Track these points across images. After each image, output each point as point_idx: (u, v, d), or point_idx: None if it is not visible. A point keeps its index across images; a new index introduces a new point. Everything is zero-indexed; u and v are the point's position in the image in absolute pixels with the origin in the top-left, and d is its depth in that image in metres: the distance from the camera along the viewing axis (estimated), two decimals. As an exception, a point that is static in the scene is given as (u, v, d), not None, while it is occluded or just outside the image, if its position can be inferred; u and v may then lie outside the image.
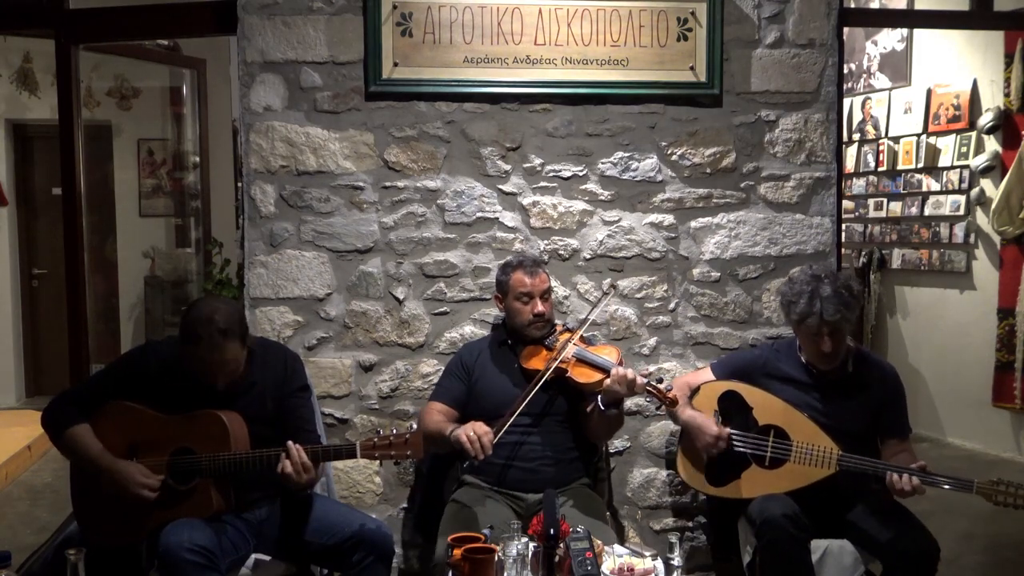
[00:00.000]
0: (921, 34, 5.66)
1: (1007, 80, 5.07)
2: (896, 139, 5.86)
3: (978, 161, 5.28)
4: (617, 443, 3.27)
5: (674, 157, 3.25)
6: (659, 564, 2.29)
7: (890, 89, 5.90)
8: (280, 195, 3.16)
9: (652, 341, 3.29)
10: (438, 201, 3.20)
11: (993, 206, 5.11)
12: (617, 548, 2.37)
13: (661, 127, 3.24)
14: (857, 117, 6.15)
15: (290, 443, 2.42)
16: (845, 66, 3.66)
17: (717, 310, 3.30)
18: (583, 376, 2.76)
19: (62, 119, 3.34)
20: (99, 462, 2.47)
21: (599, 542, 2.30)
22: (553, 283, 3.10)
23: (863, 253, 6.07)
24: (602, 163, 3.23)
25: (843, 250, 4.45)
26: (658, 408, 3.21)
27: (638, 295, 3.28)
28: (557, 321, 3.03)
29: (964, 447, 5.45)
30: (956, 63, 5.46)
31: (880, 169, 5.99)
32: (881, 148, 5.97)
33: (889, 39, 5.90)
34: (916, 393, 5.65)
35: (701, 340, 3.30)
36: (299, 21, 3.12)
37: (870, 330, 6.03)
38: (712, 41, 3.15)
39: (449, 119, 3.18)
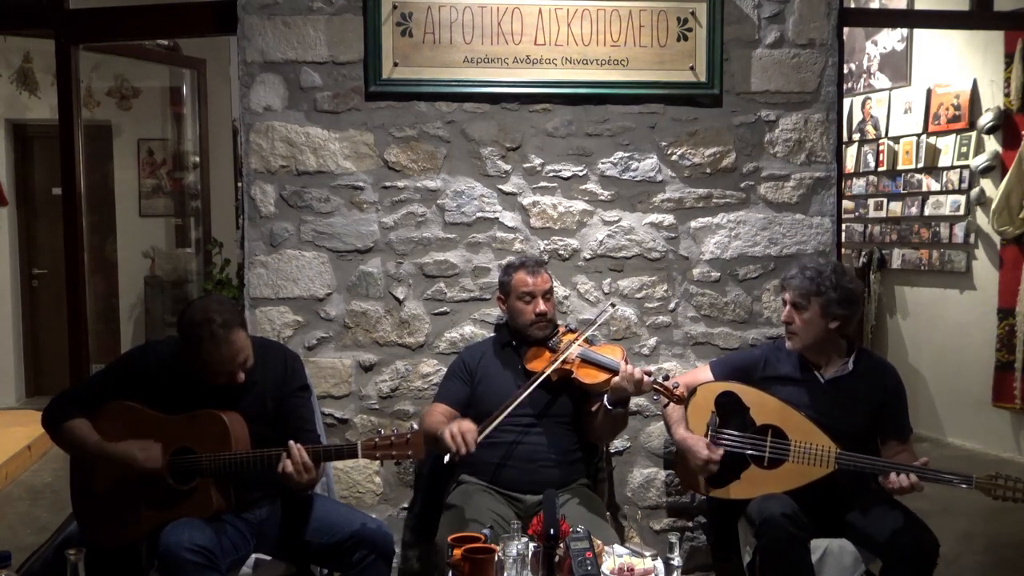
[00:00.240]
0: (921, 34, 5.66)
1: (1007, 80, 5.07)
2: (896, 139, 5.86)
3: (978, 161, 5.28)
4: (617, 443, 3.27)
5: (674, 157, 3.25)
6: (659, 564, 2.29)
7: (890, 89, 5.91)
8: (280, 195, 3.16)
9: (652, 341, 3.29)
10: (438, 201, 3.20)
11: (993, 206, 5.11)
12: (617, 548, 2.37)
13: (661, 127, 3.24)
14: (857, 117, 6.15)
15: (291, 443, 2.42)
16: (845, 66, 3.66)
17: (717, 310, 3.30)
18: (589, 377, 2.76)
19: (62, 119, 3.34)
20: (97, 450, 2.47)
21: (599, 542, 2.30)
22: (553, 283, 3.10)
23: (863, 253, 6.07)
24: (602, 163, 3.23)
25: (843, 250, 4.45)
26: (665, 406, 3.21)
27: (638, 295, 3.28)
28: (559, 322, 3.02)
29: (964, 447, 5.45)
30: (956, 63, 5.46)
31: (880, 169, 5.99)
32: (881, 148, 5.97)
33: (889, 39, 5.91)
34: (916, 393, 5.65)
35: (701, 340, 3.30)
36: (299, 21, 3.12)
37: (870, 330, 6.03)
38: (712, 41, 3.15)
39: (449, 119, 3.18)
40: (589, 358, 2.80)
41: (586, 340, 2.90)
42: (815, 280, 2.75)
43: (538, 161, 3.22)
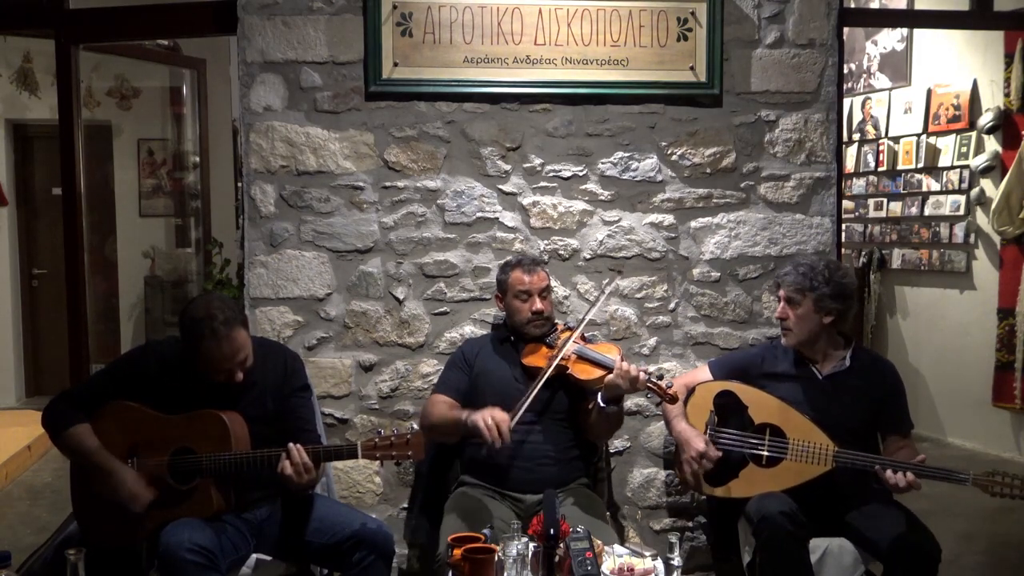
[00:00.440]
0: (921, 34, 5.66)
1: (1007, 80, 5.07)
2: (896, 139, 5.86)
3: (978, 161, 5.28)
4: (617, 443, 3.27)
5: (674, 157, 3.25)
6: (659, 564, 2.29)
7: (890, 89, 5.91)
8: (280, 195, 3.16)
9: (652, 341, 3.29)
10: (438, 201, 3.20)
11: (993, 206, 5.11)
12: (617, 548, 2.37)
13: (661, 127, 3.24)
14: (857, 117, 6.15)
15: (291, 444, 2.42)
16: (845, 66, 3.66)
17: (717, 310, 3.30)
18: (584, 373, 2.77)
19: (62, 119, 3.34)
20: (96, 461, 2.46)
21: (599, 542, 2.30)
22: (553, 283, 3.10)
23: (863, 253, 6.07)
24: (602, 163, 3.23)
25: (843, 250, 4.45)
26: (658, 405, 3.21)
27: (638, 295, 3.28)
28: (557, 320, 3.03)
29: (964, 447, 5.45)
30: (956, 63, 5.46)
31: (880, 169, 5.99)
32: (881, 148, 5.97)
33: (889, 39, 5.91)
34: (916, 393, 5.65)
35: (701, 340, 3.30)
36: (299, 21, 3.12)
37: (870, 330, 6.03)
38: (712, 41, 3.15)
39: (449, 119, 3.18)
40: (585, 355, 2.80)
41: (584, 338, 2.90)
42: (808, 275, 2.78)
43: (538, 161, 3.21)
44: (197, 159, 6.41)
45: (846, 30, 3.44)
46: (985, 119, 5.20)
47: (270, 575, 2.62)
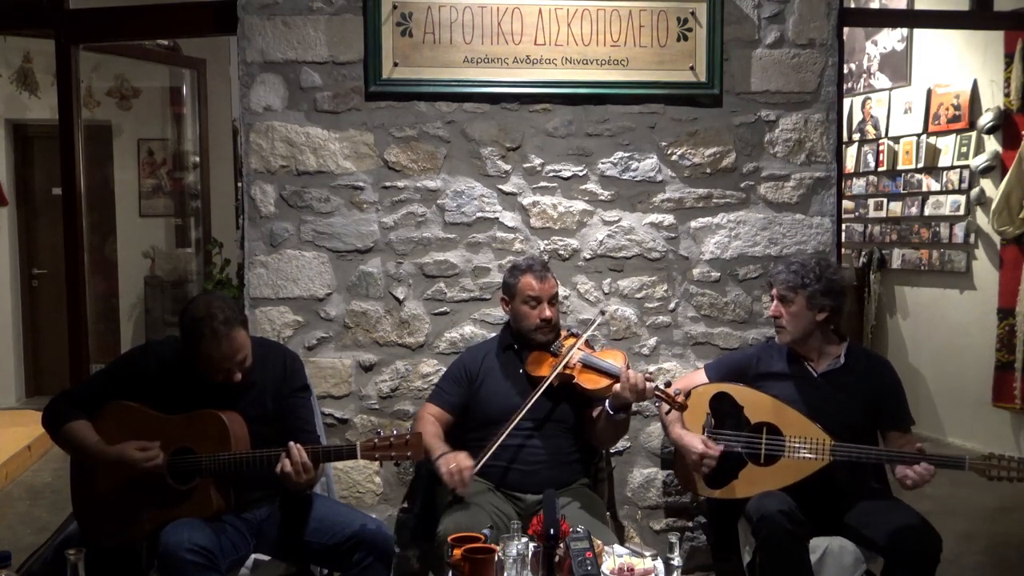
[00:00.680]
0: (921, 34, 5.66)
1: (1007, 80, 5.07)
2: (896, 139, 5.86)
3: (978, 161, 5.28)
4: (617, 443, 3.27)
5: (674, 157, 3.25)
6: (659, 564, 2.30)
7: (890, 89, 5.91)
8: (280, 195, 3.16)
9: (652, 341, 3.29)
10: (438, 201, 3.20)
11: (993, 206, 5.11)
12: (617, 548, 2.37)
13: (661, 127, 3.24)
14: (857, 117, 6.15)
15: (291, 443, 2.42)
16: (845, 66, 3.66)
17: (717, 310, 3.30)
18: (590, 382, 2.76)
19: (62, 119, 3.34)
20: (96, 452, 2.46)
21: (599, 542, 2.30)
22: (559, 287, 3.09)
23: (863, 253, 6.07)
24: (602, 163, 3.23)
25: (843, 250, 4.45)
26: (667, 412, 3.21)
27: (638, 295, 3.28)
28: (562, 326, 3.02)
29: (964, 447, 5.44)
30: (956, 63, 5.46)
31: (880, 169, 5.99)
32: (881, 148, 5.97)
33: (889, 39, 5.91)
34: (916, 393, 5.65)
35: (701, 340, 3.30)
36: (299, 21, 3.12)
37: (870, 330, 6.03)
38: (712, 41, 3.15)
39: (449, 119, 3.18)
40: (591, 363, 2.79)
41: (588, 344, 2.89)
42: (799, 273, 2.80)
43: (538, 161, 3.21)
44: (197, 159, 6.41)
45: (846, 30, 3.44)
46: (985, 119, 5.20)
47: (270, 575, 2.62)
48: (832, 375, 2.82)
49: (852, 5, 5.79)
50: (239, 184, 4.75)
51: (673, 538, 2.26)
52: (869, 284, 6.00)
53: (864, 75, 6.11)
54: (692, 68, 3.17)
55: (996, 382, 5.22)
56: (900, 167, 5.84)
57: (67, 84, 3.31)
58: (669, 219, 3.26)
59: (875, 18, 5.30)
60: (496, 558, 2.19)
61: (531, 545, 2.23)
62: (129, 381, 2.55)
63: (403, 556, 3.21)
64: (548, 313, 2.85)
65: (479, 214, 3.21)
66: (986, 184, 5.30)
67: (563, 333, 2.95)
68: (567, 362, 2.78)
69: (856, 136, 6.16)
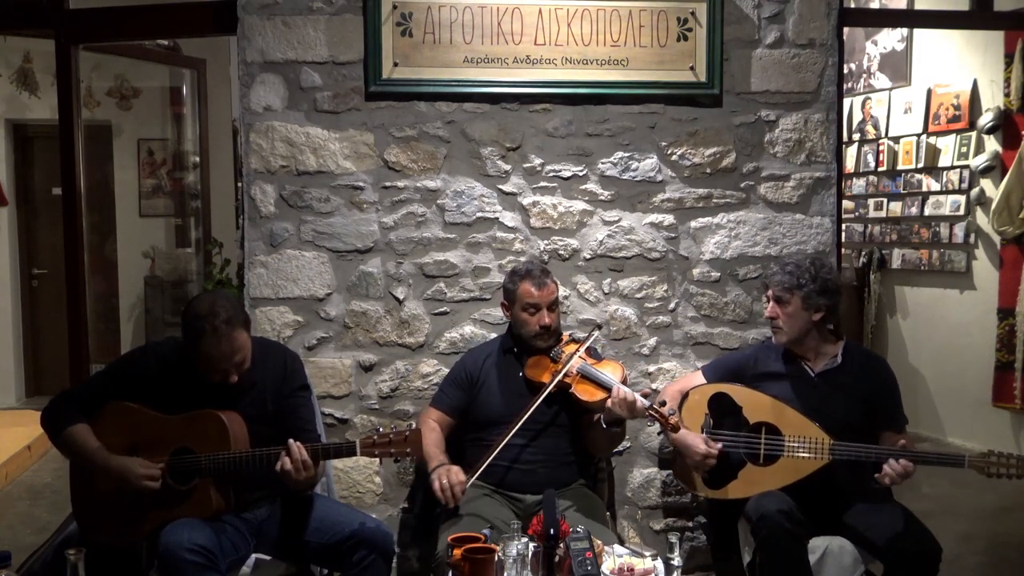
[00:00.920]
0: (921, 34, 5.66)
1: (1007, 80, 5.07)
2: (896, 139, 5.86)
3: (978, 161, 5.28)
4: (612, 452, 3.27)
5: (674, 157, 3.25)
6: (659, 564, 2.29)
7: (890, 89, 5.91)
8: (280, 195, 3.16)
9: (652, 341, 3.29)
10: (438, 201, 3.20)
11: (993, 206, 5.11)
12: (617, 548, 2.37)
13: (661, 127, 3.24)
14: (857, 117, 6.15)
15: (291, 441, 2.42)
16: (845, 66, 3.66)
17: (717, 310, 3.30)
18: (586, 393, 2.75)
19: (62, 119, 3.34)
20: (97, 460, 2.46)
21: (599, 542, 2.30)
22: (559, 291, 3.08)
23: (863, 253, 6.07)
24: (602, 163, 3.23)
25: (843, 250, 4.45)
26: (659, 433, 3.22)
27: (638, 295, 3.28)
28: (563, 329, 3.01)
29: (964, 447, 5.44)
30: (956, 63, 5.46)
31: (880, 169, 5.99)
32: (881, 148, 5.97)
33: (889, 39, 5.90)
34: (916, 393, 5.65)
35: (701, 340, 3.30)
36: (299, 21, 3.12)
37: (870, 330, 6.03)
38: (712, 41, 3.15)
39: (449, 119, 3.18)
40: (588, 374, 2.78)
41: (589, 352, 2.89)
42: (794, 274, 2.81)
43: (538, 161, 3.21)
44: (197, 159, 6.41)
45: (846, 30, 3.44)
46: (985, 119, 5.20)
47: (270, 575, 2.61)
48: (829, 375, 2.82)
49: (852, 5, 5.79)
50: (239, 184, 4.75)
51: (673, 538, 2.26)
52: (869, 284, 6.00)
53: (864, 75, 6.11)
54: (692, 68, 3.17)
55: (996, 382, 5.22)
56: (900, 167, 5.84)
57: (67, 84, 3.31)
58: (669, 219, 3.26)
59: (875, 18, 5.30)
60: (496, 558, 2.19)
61: (531, 545, 2.23)
62: (129, 382, 2.55)
63: (403, 556, 3.21)
64: (547, 320, 2.85)
65: (479, 214, 3.21)
66: (986, 184, 5.30)
67: (564, 337, 2.94)
68: (566, 370, 2.78)
69: (856, 136, 6.16)
